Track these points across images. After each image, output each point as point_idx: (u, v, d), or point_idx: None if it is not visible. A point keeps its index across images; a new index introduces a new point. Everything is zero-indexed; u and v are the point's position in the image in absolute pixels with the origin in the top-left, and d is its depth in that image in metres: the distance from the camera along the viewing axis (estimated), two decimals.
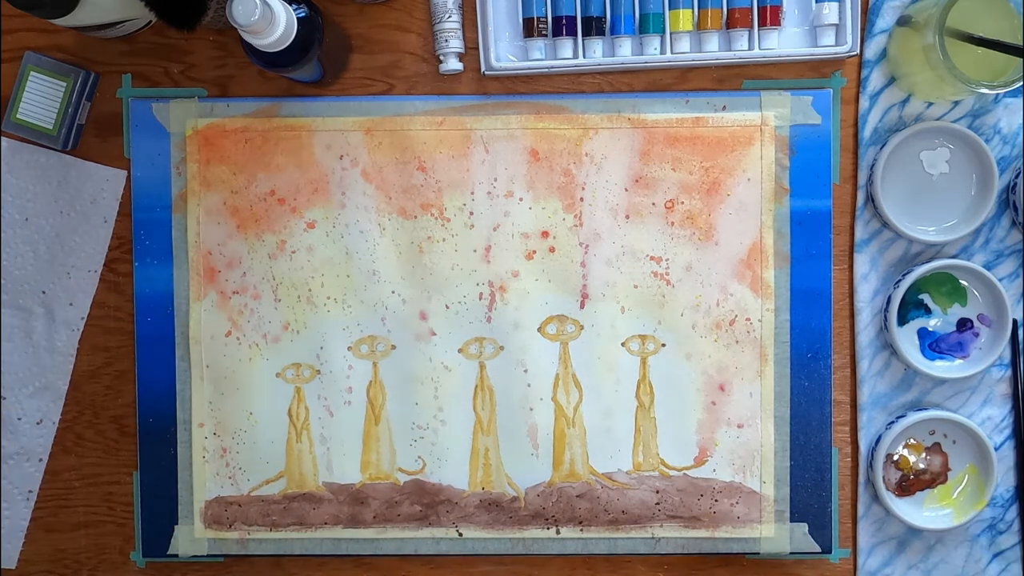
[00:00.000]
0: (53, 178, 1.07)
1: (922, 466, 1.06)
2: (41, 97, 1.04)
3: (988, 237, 1.06)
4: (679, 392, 1.05)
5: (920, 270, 1.03)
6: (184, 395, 1.06)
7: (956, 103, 1.05)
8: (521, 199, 1.05)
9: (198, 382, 1.06)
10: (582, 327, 1.05)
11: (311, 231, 1.05)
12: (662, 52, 1.03)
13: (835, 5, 1.02)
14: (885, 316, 1.04)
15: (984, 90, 0.95)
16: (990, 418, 1.06)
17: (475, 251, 1.05)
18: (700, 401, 1.05)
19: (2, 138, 1.06)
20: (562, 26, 1.02)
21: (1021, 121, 1.05)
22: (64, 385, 1.08)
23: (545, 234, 1.05)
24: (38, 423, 1.08)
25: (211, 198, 1.05)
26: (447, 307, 1.05)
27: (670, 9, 1.02)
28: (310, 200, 1.05)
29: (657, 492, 1.06)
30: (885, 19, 1.05)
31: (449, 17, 1.03)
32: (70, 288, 1.07)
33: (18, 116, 1.04)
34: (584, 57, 1.03)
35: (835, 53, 1.03)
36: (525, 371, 1.05)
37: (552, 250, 1.05)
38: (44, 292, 1.07)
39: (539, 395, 1.05)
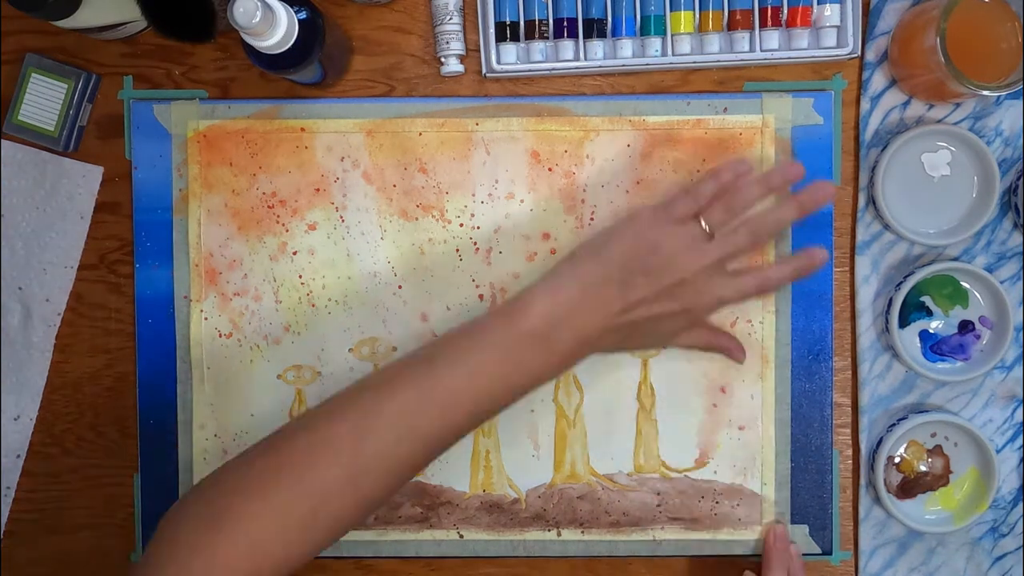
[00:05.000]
0: (29, 174, 1.07)
1: (923, 468, 1.06)
2: (42, 99, 1.04)
3: (990, 239, 1.05)
4: (680, 394, 1.05)
5: (922, 272, 1.03)
6: (185, 397, 1.06)
7: (957, 105, 1.05)
8: (522, 201, 1.05)
9: (199, 384, 1.06)
10: None
11: (312, 233, 1.05)
12: (663, 54, 1.03)
13: (836, 7, 1.02)
14: (886, 318, 1.04)
15: (985, 92, 0.95)
16: (991, 420, 1.06)
17: (476, 253, 1.05)
18: (701, 403, 1.05)
19: None
20: (563, 28, 1.02)
21: (1022, 123, 1.05)
22: (42, 381, 1.08)
23: (546, 236, 1.05)
24: (15, 419, 1.08)
25: (212, 200, 1.05)
26: (448, 309, 1.05)
27: (671, 11, 1.02)
28: (311, 202, 1.05)
29: (658, 494, 1.06)
30: (886, 21, 1.05)
31: (450, 19, 1.03)
32: (47, 284, 1.07)
33: (19, 118, 1.04)
34: (585, 59, 1.03)
35: (836, 55, 1.03)
36: None
37: (553, 252, 1.05)
38: (20, 288, 1.07)
39: (540, 396, 1.05)
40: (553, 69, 1.03)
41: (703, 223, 0.92)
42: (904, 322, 1.05)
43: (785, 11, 1.02)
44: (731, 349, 1.01)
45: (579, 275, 0.91)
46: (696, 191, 0.94)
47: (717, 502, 1.06)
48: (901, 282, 1.03)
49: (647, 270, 0.91)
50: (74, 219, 1.07)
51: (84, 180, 1.07)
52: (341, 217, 1.05)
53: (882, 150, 1.04)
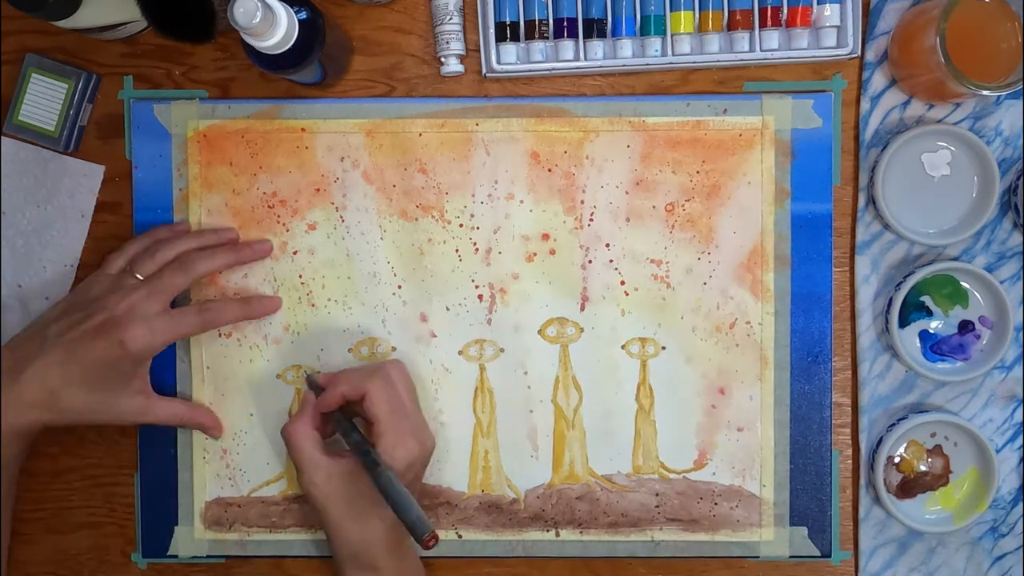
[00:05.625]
0: (30, 172, 1.07)
1: (923, 468, 1.06)
2: (43, 99, 1.04)
3: (989, 239, 1.05)
4: (679, 395, 1.05)
5: (921, 272, 1.02)
6: (185, 396, 1.06)
7: (957, 105, 1.05)
8: (522, 201, 1.05)
9: (199, 383, 1.06)
10: (582, 329, 1.05)
11: (312, 233, 1.05)
12: (663, 54, 1.03)
13: (836, 7, 1.02)
14: (886, 318, 1.04)
15: (985, 92, 0.95)
16: (991, 420, 1.06)
17: (476, 253, 1.05)
18: (700, 404, 1.05)
19: None
20: (563, 28, 1.02)
21: (1022, 123, 1.05)
22: None
23: (546, 236, 1.05)
24: None
25: (212, 199, 1.05)
26: (447, 309, 1.05)
27: (671, 11, 1.02)
28: (311, 202, 1.05)
29: (657, 495, 1.06)
30: (886, 21, 1.05)
31: (450, 19, 1.03)
32: (46, 282, 1.07)
33: (20, 118, 1.04)
34: (585, 59, 1.03)
35: (836, 55, 1.03)
36: (525, 373, 1.05)
37: (552, 252, 1.05)
38: (20, 286, 1.07)
39: (539, 397, 1.05)
40: (553, 69, 1.03)
41: (133, 271, 1.01)
42: (904, 322, 1.05)
43: (785, 11, 1.02)
44: (206, 425, 1.06)
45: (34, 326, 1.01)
46: (126, 247, 1.04)
47: (716, 503, 1.06)
48: (901, 282, 1.03)
49: (72, 311, 0.99)
50: (75, 218, 1.07)
51: (86, 179, 1.07)
52: (341, 217, 1.05)
53: (882, 150, 1.04)
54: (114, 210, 1.07)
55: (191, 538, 1.07)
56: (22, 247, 1.07)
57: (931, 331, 1.05)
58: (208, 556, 1.07)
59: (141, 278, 1.00)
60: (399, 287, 1.05)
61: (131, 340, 0.97)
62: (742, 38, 1.03)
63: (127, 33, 1.03)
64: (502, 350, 1.05)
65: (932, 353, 1.05)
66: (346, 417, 1.00)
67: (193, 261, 1.01)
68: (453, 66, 1.04)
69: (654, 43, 1.03)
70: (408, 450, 0.97)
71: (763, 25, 1.02)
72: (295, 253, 1.05)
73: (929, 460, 1.06)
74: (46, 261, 1.07)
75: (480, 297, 1.05)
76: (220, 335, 1.06)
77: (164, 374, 1.06)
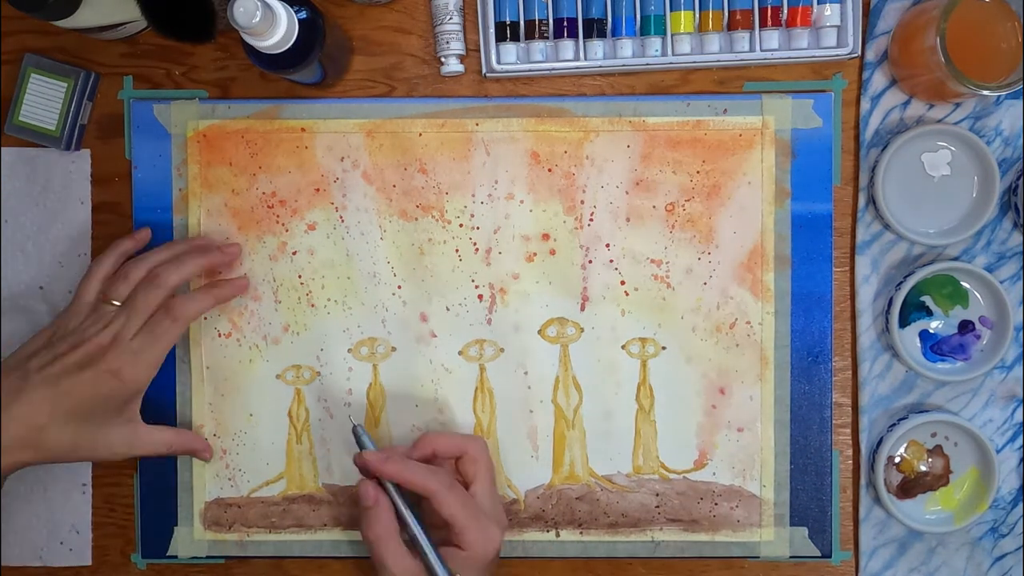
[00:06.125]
0: (20, 173, 1.07)
1: (924, 468, 1.05)
2: (43, 99, 1.04)
3: (990, 239, 1.05)
4: (679, 395, 1.05)
5: (922, 272, 1.02)
6: (184, 396, 1.06)
7: (957, 105, 1.05)
8: (522, 201, 1.05)
9: (198, 383, 1.06)
10: (582, 330, 1.05)
11: (312, 233, 1.05)
12: (663, 54, 1.03)
13: (836, 7, 1.02)
14: (887, 318, 1.04)
15: (985, 92, 0.95)
16: (992, 420, 1.06)
17: (476, 253, 1.05)
18: (700, 404, 1.05)
19: None
20: (563, 28, 1.02)
21: (1022, 123, 1.04)
22: None
23: (546, 236, 1.05)
24: None
25: (212, 199, 1.05)
26: (447, 309, 1.05)
27: (671, 11, 1.02)
28: (311, 202, 1.05)
29: (657, 495, 1.06)
30: (886, 21, 1.05)
31: (450, 19, 1.03)
32: (65, 277, 1.07)
33: (20, 119, 1.04)
34: (585, 59, 1.03)
35: (836, 55, 1.03)
36: (525, 373, 1.05)
37: (553, 252, 1.05)
38: (42, 288, 1.07)
39: (539, 397, 1.05)
40: (553, 69, 1.03)
41: (109, 297, 0.98)
42: (904, 322, 1.05)
43: (785, 11, 1.02)
44: (197, 450, 1.05)
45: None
46: (93, 269, 1.01)
47: (716, 503, 1.06)
48: (901, 282, 1.03)
49: (54, 344, 0.97)
50: (75, 207, 1.07)
51: (75, 165, 1.07)
52: (341, 217, 1.05)
53: (882, 150, 1.04)
54: (114, 210, 1.07)
55: (191, 538, 1.07)
56: (32, 249, 1.07)
57: (931, 331, 1.05)
58: (208, 556, 1.07)
59: (118, 303, 0.98)
60: (399, 287, 1.05)
61: (123, 371, 0.96)
62: (742, 38, 1.03)
63: (127, 33, 1.03)
64: (502, 350, 1.05)
65: (932, 353, 1.05)
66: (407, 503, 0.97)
67: (164, 274, 0.99)
68: (453, 66, 1.04)
69: (654, 43, 1.03)
70: (493, 538, 0.96)
71: (763, 25, 1.02)
72: (295, 253, 1.05)
73: (929, 460, 1.06)
74: (59, 256, 1.07)
75: (480, 297, 1.05)
76: (220, 335, 1.06)
77: (163, 374, 1.06)
